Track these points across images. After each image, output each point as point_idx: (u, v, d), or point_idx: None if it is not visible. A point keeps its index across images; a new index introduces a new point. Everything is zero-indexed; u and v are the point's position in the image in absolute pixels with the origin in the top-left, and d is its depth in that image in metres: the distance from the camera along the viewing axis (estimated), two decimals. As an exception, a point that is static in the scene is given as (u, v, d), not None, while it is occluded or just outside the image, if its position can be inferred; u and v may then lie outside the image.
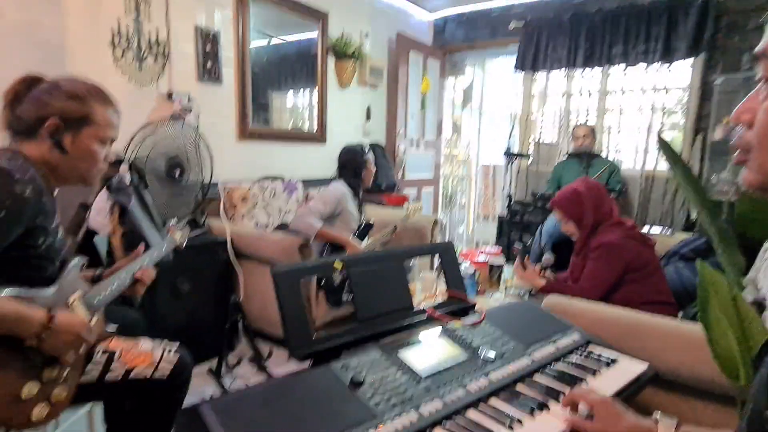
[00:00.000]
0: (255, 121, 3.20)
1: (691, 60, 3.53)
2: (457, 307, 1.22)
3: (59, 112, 1.11)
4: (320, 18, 3.54)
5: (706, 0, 3.37)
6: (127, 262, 1.36)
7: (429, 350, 1.02)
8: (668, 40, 3.52)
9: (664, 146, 0.85)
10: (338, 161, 2.74)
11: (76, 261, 1.23)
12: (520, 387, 0.96)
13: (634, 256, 1.94)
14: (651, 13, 3.58)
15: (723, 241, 0.81)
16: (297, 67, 3.58)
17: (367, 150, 2.74)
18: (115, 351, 1.29)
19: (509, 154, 3.41)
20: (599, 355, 1.12)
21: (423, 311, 1.14)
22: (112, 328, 1.27)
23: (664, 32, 3.52)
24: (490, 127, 5.67)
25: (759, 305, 1.36)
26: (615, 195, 3.32)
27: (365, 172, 2.69)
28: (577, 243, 2.09)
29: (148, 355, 1.32)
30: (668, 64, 3.61)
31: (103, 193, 1.92)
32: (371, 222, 2.72)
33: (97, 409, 1.50)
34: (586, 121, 3.98)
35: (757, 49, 0.49)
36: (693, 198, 0.80)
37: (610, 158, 3.81)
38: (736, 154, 0.51)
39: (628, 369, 1.07)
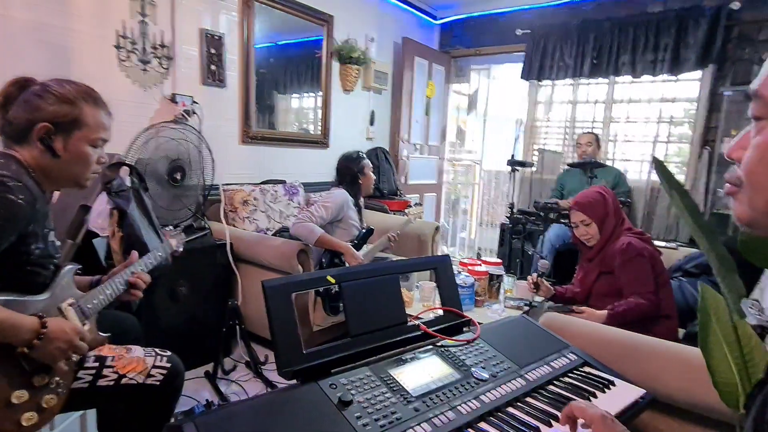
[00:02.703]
0: (258, 125, 3.20)
1: (699, 71, 3.49)
2: (451, 322, 1.20)
3: (50, 116, 1.11)
4: (325, 22, 3.54)
5: (717, 10, 3.33)
6: (122, 267, 1.35)
7: (420, 369, 1.01)
8: (677, 51, 3.48)
9: (661, 169, 0.83)
10: (336, 169, 2.73)
11: (70, 267, 1.23)
12: (512, 410, 0.94)
13: (655, 261, 1.91)
14: (660, 23, 3.54)
15: (723, 267, 0.79)
16: (301, 71, 3.58)
17: (363, 156, 2.72)
18: (107, 357, 1.28)
19: (513, 163, 3.39)
20: (595, 377, 1.10)
21: (416, 327, 1.12)
22: (104, 335, 1.27)
23: (673, 42, 3.48)
24: (495, 134, 5.64)
25: (763, 328, 1.34)
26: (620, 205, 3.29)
27: (363, 178, 2.67)
28: (595, 247, 2.03)
29: (140, 361, 1.31)
30: (676, 75, 3.57)
31: (103, 196, 1.92)
32: (372, 228, 2.71)
33: (90, 415, 1.49)
34: (592, 129, 3.95)
35: (750, 88, 0.49)
36: (691, 225, 0.78)
37: (616, 168, 3.77)
38: (726, 186, 0.52)
39: (625, 393, 1.05)
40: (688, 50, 3.45)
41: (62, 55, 2.26)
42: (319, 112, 3.68)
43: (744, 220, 0.50)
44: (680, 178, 3.60)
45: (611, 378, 1.10)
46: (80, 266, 1.25)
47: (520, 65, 4.24)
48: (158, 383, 1.30)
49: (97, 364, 1.26)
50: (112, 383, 1.25)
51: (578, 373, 1.12)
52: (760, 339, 0.99)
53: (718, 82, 3.44)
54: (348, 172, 2.66)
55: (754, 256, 0.80)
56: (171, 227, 1.72)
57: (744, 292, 0.85)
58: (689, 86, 3.62)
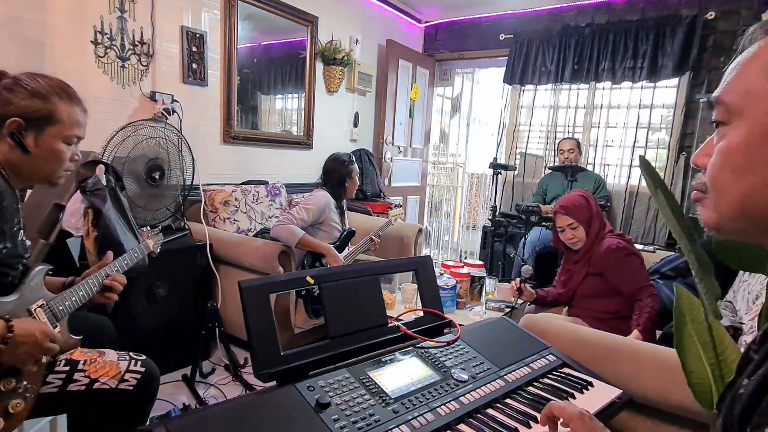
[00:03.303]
0: (240, 125, 3.16)
1: (676, 79, 3.57)
2: (432, 324, 1.20)
3: (21, 110, 1.07)
4: (310, 22, 3.52)
5: (693, 19, 3.42)
6: (96, 269, 1.31)
7: (400, 370, 1.00)
8: (655, 58, 3.56)
9: (647, 167, 0.84)
10: (323, 169, 2.71)
11: (41, 267, 1.19)
12: (491, 411, 0.94)
13: (641, 260, 1.95)
14: (639, 31, 3.61)
15: (701, 269, 0.80)
16: (285, 72, 3.55)
17: (353, 160, 2.72)
18: (78, 361, 1.24)
19: (495, 166, 3.42)
20: (574, 379, 1.11)
21: (396, 328, 1.11)
22: (76, 337, 1.23)
23: (651, 50, 3.55)
24: (478, 137, 5.69)
25: (735, 329, 1.36)
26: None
27: (349, 182, 2.67)
28: (582, 249, 2.05)
29: (113, 365, 1.27)
30: (654, 82, 3.64)
31: (78, 194, 1.86)
32: (353, 230, 2.70)
33: (61, 420, 1.44)
34: (572, 134, 4.01)
35: (713, 95, 0.51)
36: (672, 224, 0.79)
37: (596, 172, 3.83)
38: (693, 193, 0.54)
39: (603, 393, 1.06)
40: (665, 58, 3.53)
41: (37, 51, 2.19)
42: (303, 113, 3.65)
43: (711, 225, 0.52)
44: (658, 182, 3.67)
45: (589, 379, 1.11)
46: (52, 267, 1.21)
47: (504, 69, 4.28)
48: (131, 388, 1.27)
49: (67, 368, 1.22)
50: (83, 388, 1.22)
51: (557, 374, 1.13)
52: (733, 340, 1.01)
53: (694, 89, 3.53)
54: (336, 174, 2.65)
55: (729, 258, 0.82)
56: (148, 227, 1.68)
57: (719, 293, 0.87)
58: (666, 93, 3.70)
